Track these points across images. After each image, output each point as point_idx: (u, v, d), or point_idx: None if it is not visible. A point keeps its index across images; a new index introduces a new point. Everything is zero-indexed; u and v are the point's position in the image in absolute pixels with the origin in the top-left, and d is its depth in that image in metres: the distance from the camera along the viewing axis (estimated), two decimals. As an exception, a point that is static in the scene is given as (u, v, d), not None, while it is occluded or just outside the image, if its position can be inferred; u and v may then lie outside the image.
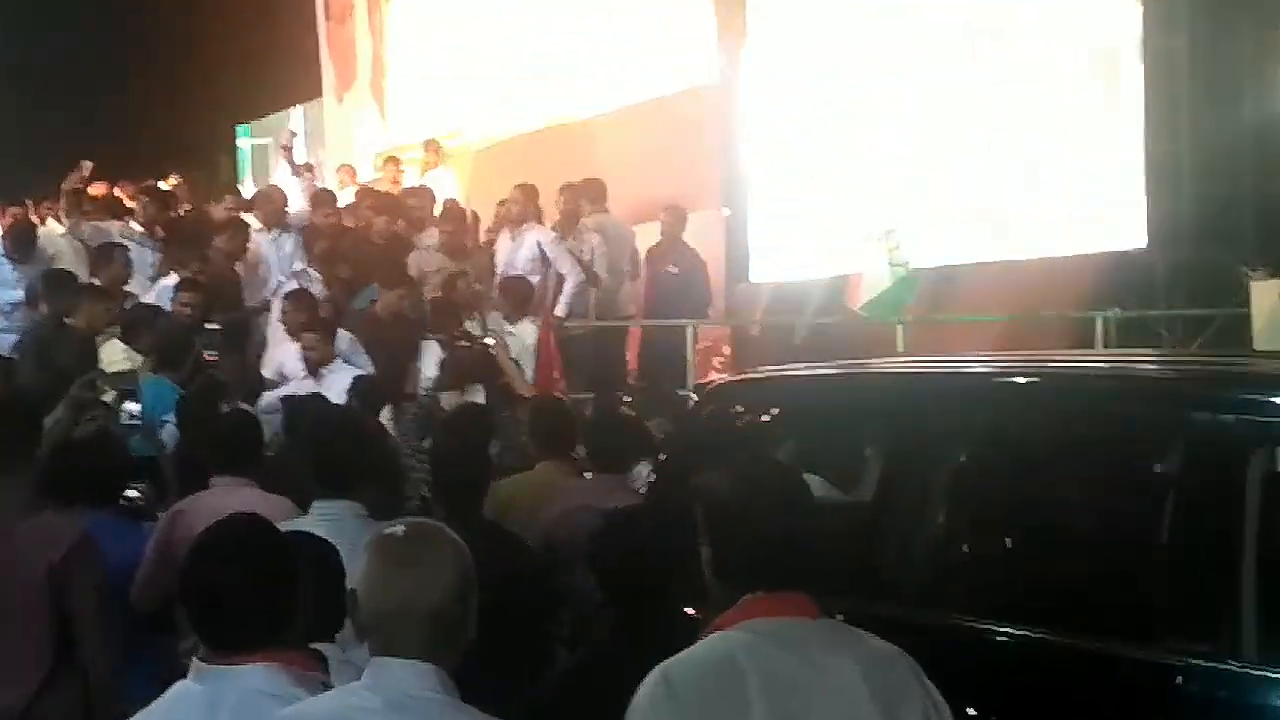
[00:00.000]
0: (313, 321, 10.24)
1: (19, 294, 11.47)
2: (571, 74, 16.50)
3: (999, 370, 5.34)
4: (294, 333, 10.24)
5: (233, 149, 24.12)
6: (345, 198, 15.01)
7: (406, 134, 19.40)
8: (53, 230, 13.24)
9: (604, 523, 4.78)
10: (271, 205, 12.87)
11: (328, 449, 5.73)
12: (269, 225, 12.56)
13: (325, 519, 5.21)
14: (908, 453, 5.13)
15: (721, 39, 14.56)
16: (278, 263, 12.29)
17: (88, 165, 14.85)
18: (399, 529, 3.42)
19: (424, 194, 14.31)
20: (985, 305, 12.00)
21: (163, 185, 15.70)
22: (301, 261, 12.24)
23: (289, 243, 12.50)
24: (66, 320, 9.67)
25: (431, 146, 16.86)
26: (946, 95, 12.89)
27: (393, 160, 17.16)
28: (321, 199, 13.96)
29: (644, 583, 4.54)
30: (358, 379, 9.36)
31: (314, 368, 9.88)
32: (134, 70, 21.83)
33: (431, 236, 12.85)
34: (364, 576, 3.34)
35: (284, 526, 4.56)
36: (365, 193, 14.79)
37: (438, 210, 13.73)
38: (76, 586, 5.17)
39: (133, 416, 7.81)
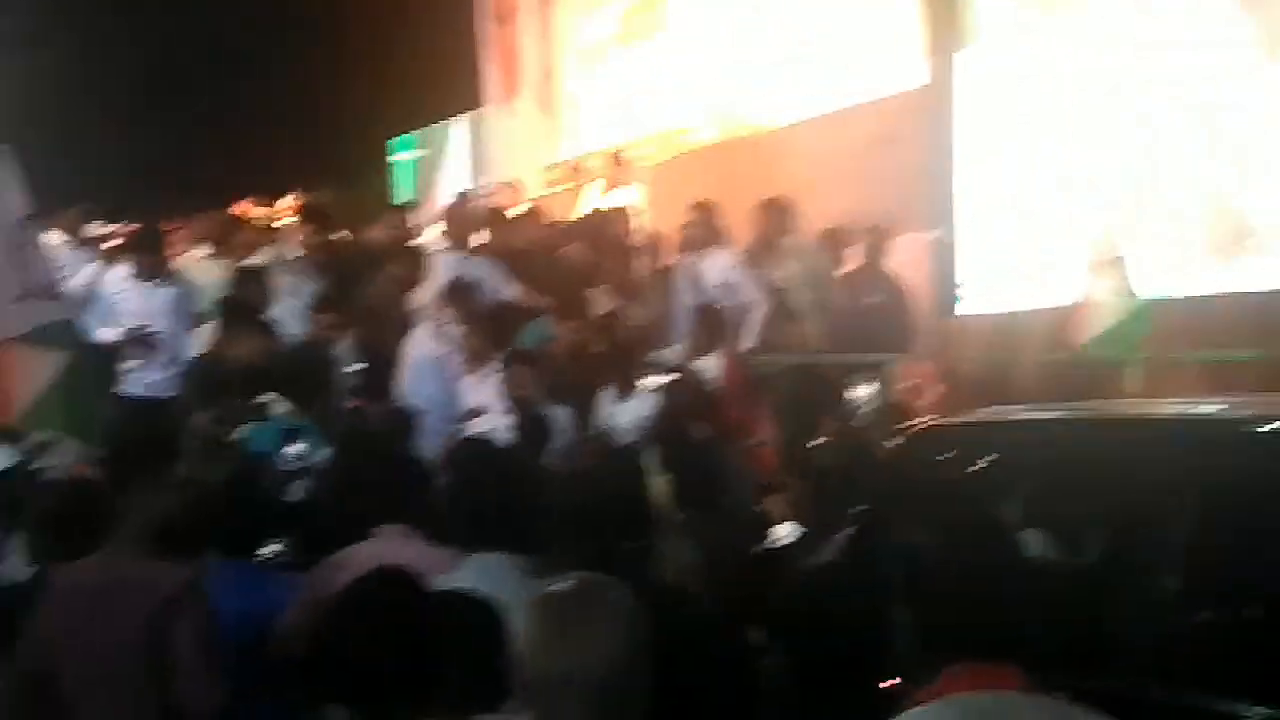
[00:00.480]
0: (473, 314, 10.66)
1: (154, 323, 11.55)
2: (760, 80, 16.51)
3: (1246, 417, 5.25)
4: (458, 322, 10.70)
5: (384, 165, 24.45)
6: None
7: (579, 146, 19.55)
8: (192, 254, 13.39)
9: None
10: (464, 222, 12.95)
11: (486, 496, 5.77)
12: (459, 245, 12.65)
13: (483, 573, 5.23)
14: (1139, 508, 5.06)
15: (932, 39, 14.42)
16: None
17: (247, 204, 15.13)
18: (565, 585, 3.40)
19: (617, 219, 14.26)
20: (1231, 342, 11.76)
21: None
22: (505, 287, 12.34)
23: (483, 266, 12.51)
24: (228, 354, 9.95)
25: (614, 160, 16.79)
26: (1181, 109, 12.68)
27: (577, 169, 17.12)
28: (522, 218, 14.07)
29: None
30: (533, 419, 9.50)
31: (472, 365, 10.04)
32: (274, 80, 22.23)
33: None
34: (525, 638, 3.33)
35: (439, 581, 4.65)
36: (538, 211, 14.77)
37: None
38: (176, 636, 5.33)
39: (298, 458, 8.01)
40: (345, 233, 14.24)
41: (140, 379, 11.09)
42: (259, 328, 10.40)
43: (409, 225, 13.86)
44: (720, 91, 16.94)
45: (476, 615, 4.21)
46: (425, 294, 11.93)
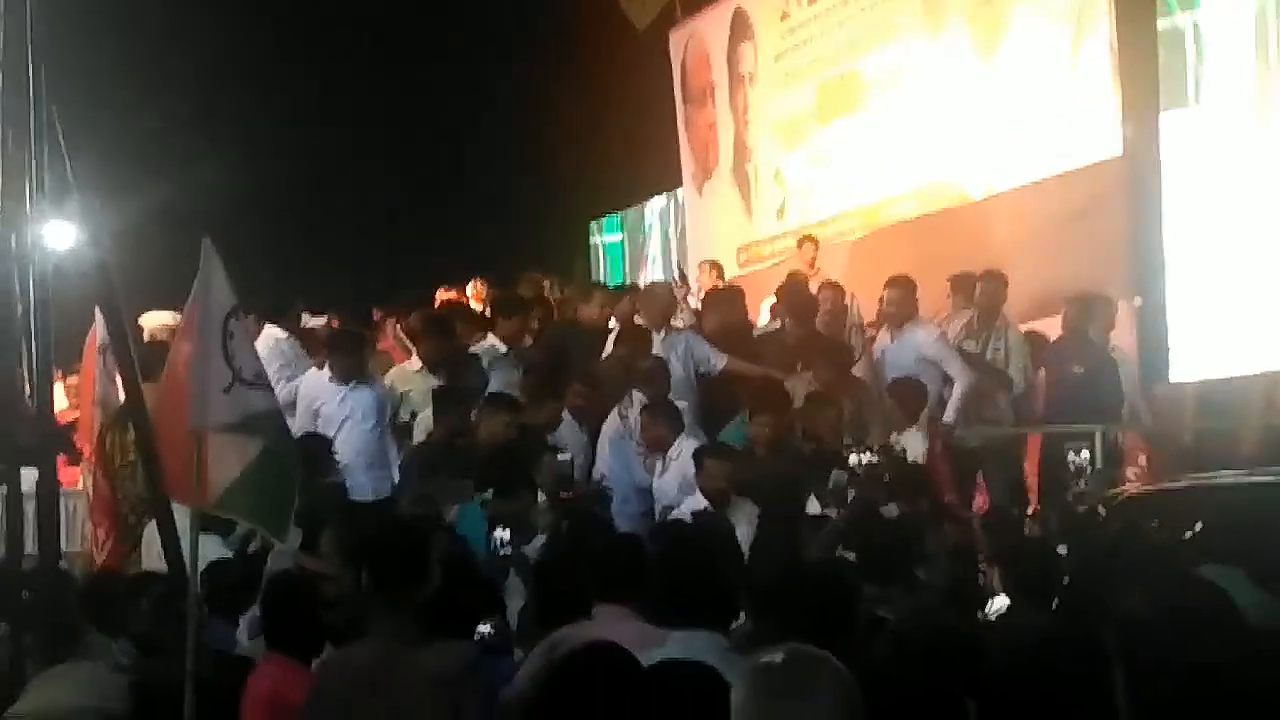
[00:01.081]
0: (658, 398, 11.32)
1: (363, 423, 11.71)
2: (958, 152, 16.49)
3: None
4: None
5: (587, 247, 24.73)
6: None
7: (772, 224, 19.64)
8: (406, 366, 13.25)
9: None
10: (657, 303, 13.12)
11: (693, 576, 5.85)
12: (655, 325, 12.78)
13: (689, 649, 5.22)
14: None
15: (1127, 107, 14.32)
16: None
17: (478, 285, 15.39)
18: (777, 657, 3.42)
19: (822, 298, 14.21)
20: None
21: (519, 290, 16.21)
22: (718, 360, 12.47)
23: (681, 343, 12.62)
24: (458, 439, 10.26)
25: (811, 242, 16.82)
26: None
27: (810, 240, 17.09)
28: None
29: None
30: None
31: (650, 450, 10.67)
32: (477, 166, 22.61)
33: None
34: (739, 710, 3.35)
35: (648, 655, 4.73)
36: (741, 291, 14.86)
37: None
38: (464, 716, 5.50)
39: (504, 544, 8.18)
40: (558, 317, 14.46)
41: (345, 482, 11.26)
42: (504, 404, 10.94)
43: (628, 306, 13.98)
44: (918, 165, 16.91)
45: (698, 682, 4.28)
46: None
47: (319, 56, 21.75)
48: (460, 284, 17.10)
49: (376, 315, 16.03)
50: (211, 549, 8.58)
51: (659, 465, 11.34)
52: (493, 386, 11.92)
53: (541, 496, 9.68)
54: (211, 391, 7.55)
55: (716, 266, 18.23)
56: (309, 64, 21.60)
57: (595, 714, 3.70)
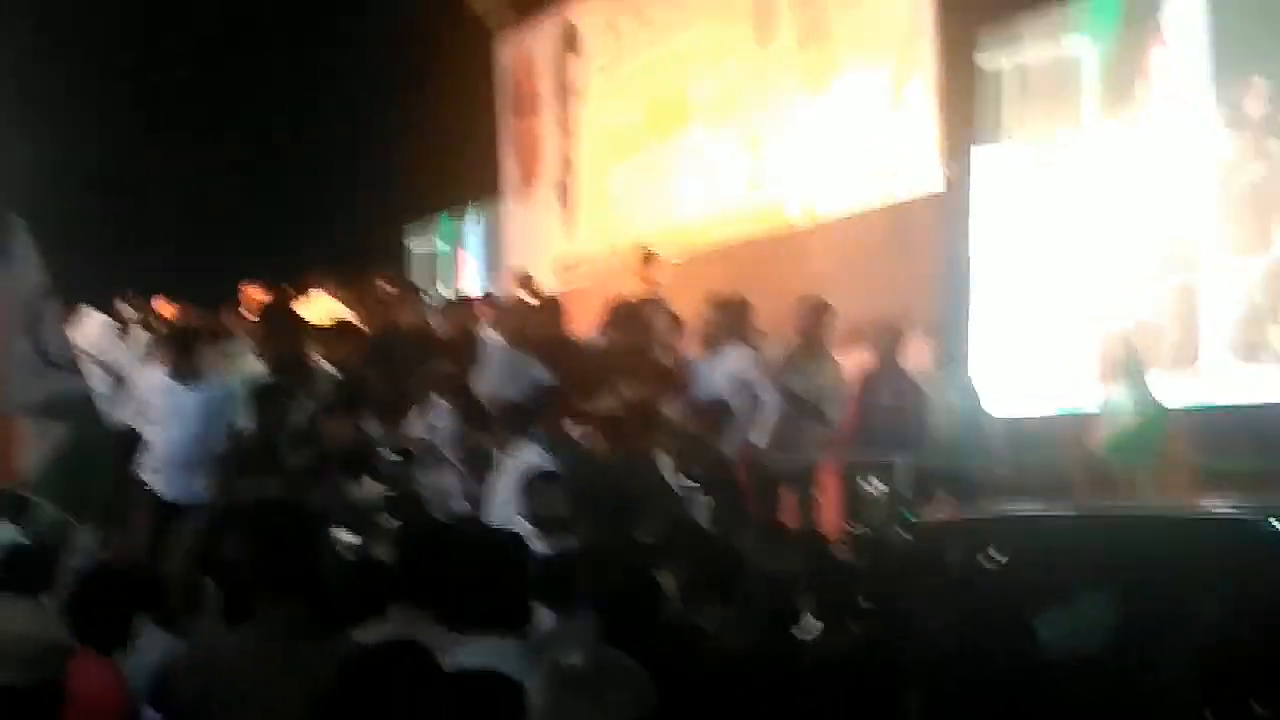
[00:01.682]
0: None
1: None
2: (783, 178, 16.62)
3: (1252, 517, 5.31)
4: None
5: (402, 254, 24.57)
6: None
7: (594, 240, 19.64)
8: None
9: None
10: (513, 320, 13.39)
11: (491, 577, 5.83)
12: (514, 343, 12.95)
13: (489, 653, 5.15)
14: (1150, 606, 5.11)
15: (948, 144, 14.55)
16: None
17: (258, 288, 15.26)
18: (576, 659, 3.45)
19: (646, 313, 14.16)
20: (1235, 452, 11.76)
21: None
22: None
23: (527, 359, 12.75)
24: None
25: (644, 256, 16.27)
26: (1209, 208, 12.78)
27: (650, 256, 16.87)
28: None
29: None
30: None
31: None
32: (292, 165, 22.36)
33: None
34: (538, 712, 3.37)
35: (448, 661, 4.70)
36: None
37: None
38: None
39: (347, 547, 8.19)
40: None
41: (163, 480, 11.09)
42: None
43: (464, 315, 14.17)
44: (743, 188, 17.03)
45: (494, 691, 4.26)
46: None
47: (144, 36, 21.44)
48: (268, 284, 16.87)
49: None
50: (6, 535, 8.38)
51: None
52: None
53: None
54: (18, 374, 7.40)
55: (532, 280, 18.19)
56: (137, 45, 21.29)
57: (392, 712, 3.64)
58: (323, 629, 5.96)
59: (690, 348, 13.56)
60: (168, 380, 11.50)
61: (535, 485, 9.86)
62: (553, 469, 10.48)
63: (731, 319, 13.13)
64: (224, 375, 12.02)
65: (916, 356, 13.47)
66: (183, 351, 11.68)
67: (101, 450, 8.12)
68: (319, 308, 15.58)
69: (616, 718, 3.30)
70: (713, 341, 12.96)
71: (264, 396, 11.12)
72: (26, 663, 4.44)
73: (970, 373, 12.98)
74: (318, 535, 6.18)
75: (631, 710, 3.31)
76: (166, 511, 10.44)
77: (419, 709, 3.65)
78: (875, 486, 11.32)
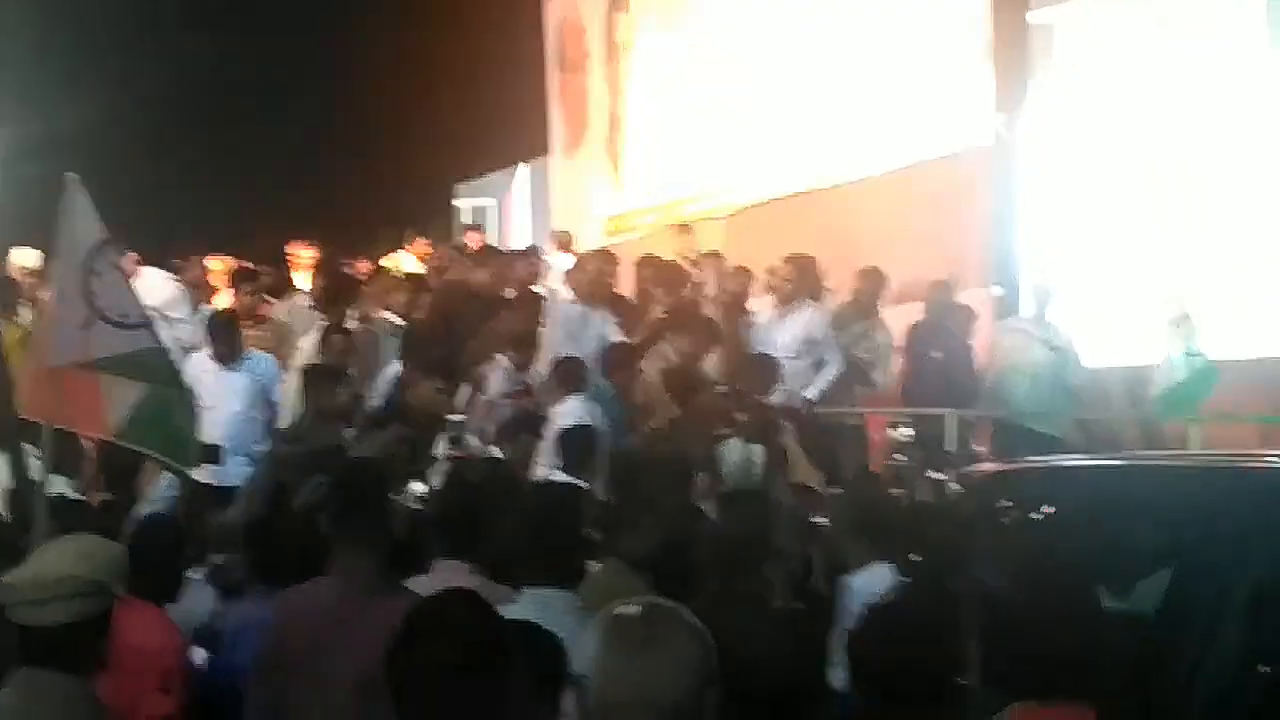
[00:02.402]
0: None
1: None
2: (825, 136, 16.54)
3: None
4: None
5: (448, 211, 24.58)
6: (560, 266, 15.38)
7: (643, 197, 19.59)
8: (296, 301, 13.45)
9: (869, 613, 4.71)
10: (587, 275, 13.04)
11: (542, 530, 5.83)
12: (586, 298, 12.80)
13: (541, 608, 5.23)
14: (1201, 559, 5.07)
15: (1000, 98, 14.45)
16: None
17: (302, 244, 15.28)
18: (633, 608, 3.38)
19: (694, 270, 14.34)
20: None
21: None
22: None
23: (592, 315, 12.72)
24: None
25: (683, 230, 16.40)
26: (1255, 165, 12.69)
27: (685, 228, 16.56)
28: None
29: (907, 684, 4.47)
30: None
31: None
32: (341, 128, 22.40)
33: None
34: (593, 662, 3.31)
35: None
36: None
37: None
38: None
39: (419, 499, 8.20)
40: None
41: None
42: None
43: (529, 270, 14.13)
44: (791, 145, 16.93)
45: (541, 645, 4.25)
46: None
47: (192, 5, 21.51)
48: (315, 241, 16.89)
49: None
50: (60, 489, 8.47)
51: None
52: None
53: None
54: (66, 328, 7.42)
55: (568, 238, 18.25)
56: (183, 12, 21.33)
57: (457, 659, 3.64)
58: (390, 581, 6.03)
59: (759, 305, 13.49)
60: (210, 362, 11.55)
61: (570, 438, 9.92)
62: (588, 422, 10.52)
63: (807, 277, 13.12)
64: (266, 357, 12.04)
65: (970, 311, 13.43)
66: (223, 336, 11.75)
67: (184, 398, 8.15)
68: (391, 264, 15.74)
69: (668, 668, 3.28)
70: (787, 299, 12.90)
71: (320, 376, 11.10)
72: (68, 601, 4.54)
73: (1060, 324, 12.84)
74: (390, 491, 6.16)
75: (685, 661, 3.29)
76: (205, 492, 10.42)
77: (474, 654, 3.64)
78: (902, 435, 11.34)
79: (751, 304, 13.57)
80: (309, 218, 18.36)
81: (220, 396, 11.14)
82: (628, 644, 3.31)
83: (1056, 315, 12.86)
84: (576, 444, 9.81)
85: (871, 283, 13.37)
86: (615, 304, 13.11)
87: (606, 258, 13.70)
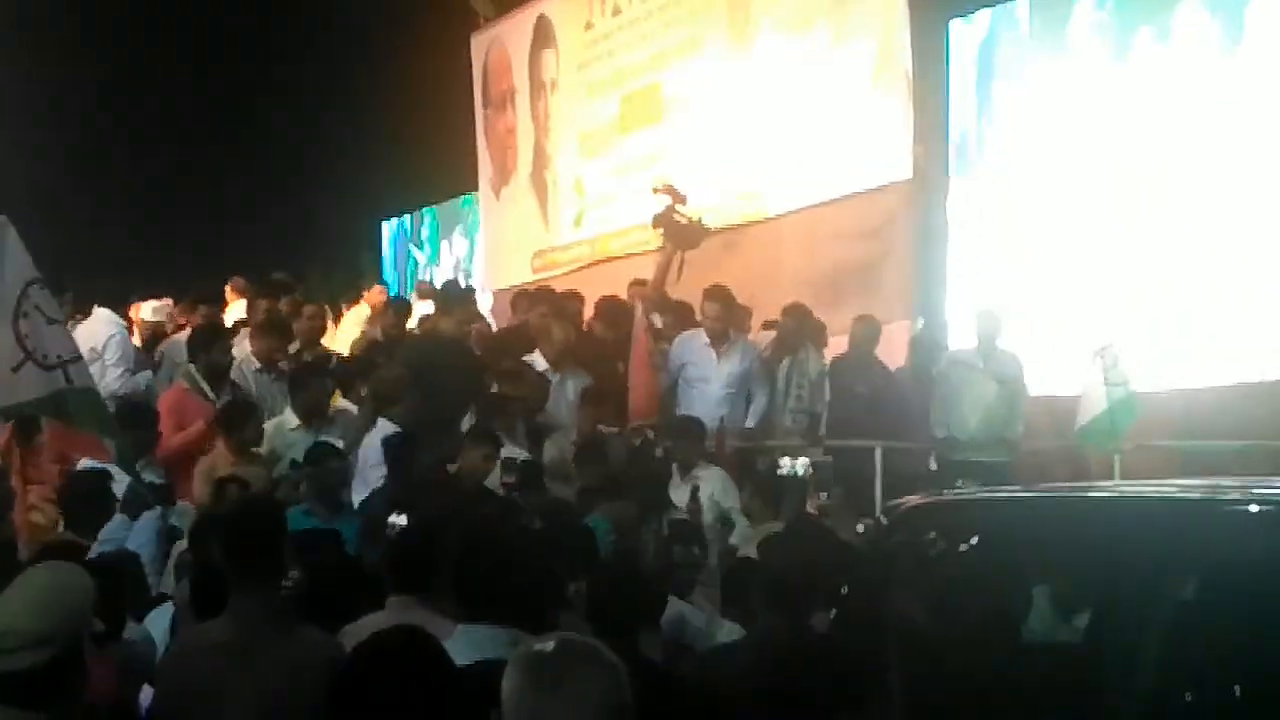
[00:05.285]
0: None
1: None
2: (748, 172, 16.53)
3: (1230, 498, 5.22)
4: None
5: (376, 244, 24.52)
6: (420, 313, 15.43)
7: (571, 233, 19.55)
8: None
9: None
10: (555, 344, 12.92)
11: (471, 569, 5.72)
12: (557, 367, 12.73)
13: (473, 644, 5.17)
14: (1123, 588, 5.02)
15: (918, 130, 14.48)
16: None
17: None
18: (548, 645, 3.39)
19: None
20: (1215, 432, 11.76)
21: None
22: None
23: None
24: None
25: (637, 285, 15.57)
26: (1174, 199, 12.75)
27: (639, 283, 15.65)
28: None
29: None
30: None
31: None
32: (267, 161, 22.28)
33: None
34: (507, 697, 3.31)
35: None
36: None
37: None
38: None
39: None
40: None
41: None
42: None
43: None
44: (717, 180, 16.90)
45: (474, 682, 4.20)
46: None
47: (124, 36, 21.34)
48: (247, 277, 16.80)
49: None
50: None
51: None
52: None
53: None
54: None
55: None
56: (117, 44, 21.18)
57: (402, 697, 3.59)
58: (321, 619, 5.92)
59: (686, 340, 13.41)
60: None
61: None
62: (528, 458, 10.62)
63: (733, 310, 13.21)
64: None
65: (894, 344, 13.44)
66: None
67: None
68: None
69: (579, 704, 3.22)
70: (719, 336, 12.84)
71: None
72: (35, 649, 4.47)
73: (1011, 352, 12.79)
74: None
75: (597, 698, 3.24)
76: None
77: (424, 694, 3.69)
78: (791, 469, 11.35)
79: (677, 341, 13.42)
80: (239, 254, 18.28)
81: None
82: (541, 680, 3.31)
83: (1004, 344, 12.77)
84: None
85: (796, 319, 13.29)
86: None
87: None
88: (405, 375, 11.54)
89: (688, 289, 13.81)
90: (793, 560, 7.05)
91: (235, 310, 15.29)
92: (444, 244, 23.59)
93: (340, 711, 3.65)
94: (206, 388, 11.36)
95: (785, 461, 11.40)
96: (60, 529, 9.09)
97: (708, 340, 12.95)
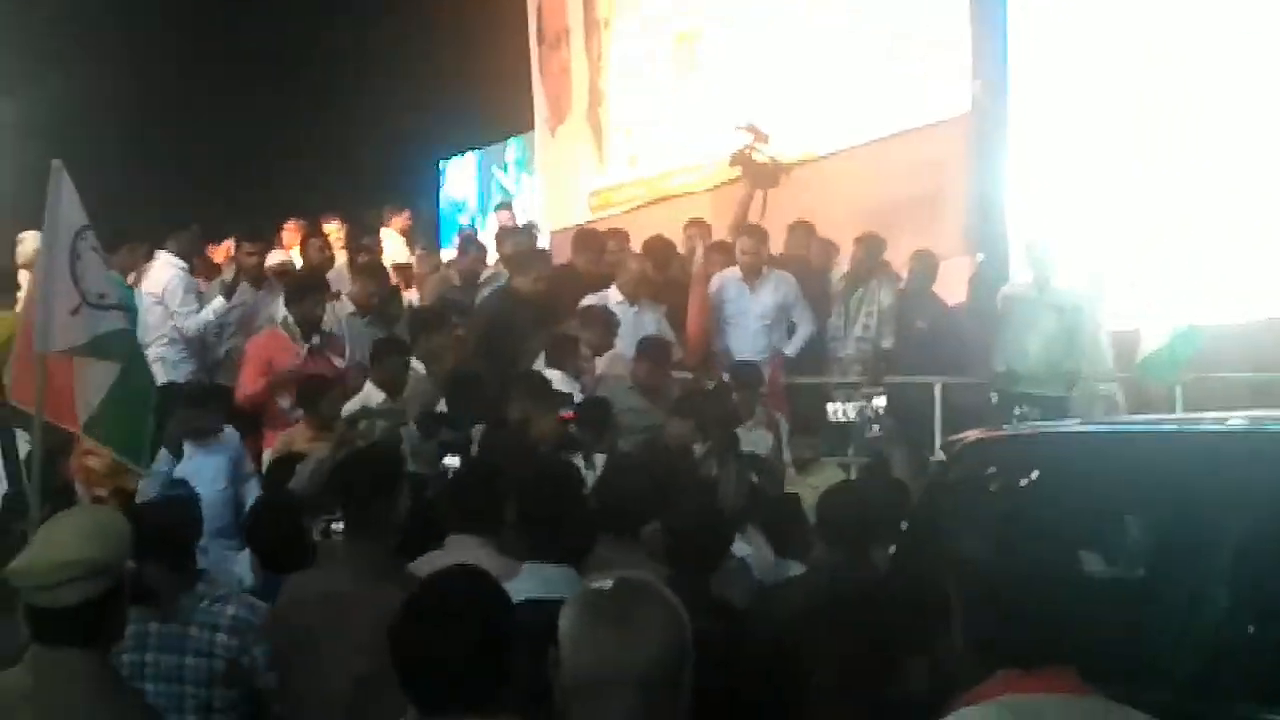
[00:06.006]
0: None
1: None
2: (804, 108, 16.41)
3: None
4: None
5: (436, 186, 24.49)
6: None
7: (627, 171, 19.49)
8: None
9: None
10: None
11: (537, 504, 5.72)
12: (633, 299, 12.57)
13: (542, 582, 5.18)
14: (1186, 522, 5.00)
15: (976, 65, 14.35)
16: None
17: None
18: (607, 583, 3.37)
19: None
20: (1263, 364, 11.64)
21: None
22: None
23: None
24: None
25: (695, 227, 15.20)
26: (1241, 127, 12.58)
27: (696, 224, 14.98)
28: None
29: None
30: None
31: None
32: (328, 104, 22.23)
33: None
34: (565, 634, 3.29)
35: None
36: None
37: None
38: None
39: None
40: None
41: None
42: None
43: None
44: (770, 118, 16.78)
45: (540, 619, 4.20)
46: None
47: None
48: (307, 219, 16.82)
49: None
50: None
51: None
52: None
53: None
54: (57, 313, 7.49)
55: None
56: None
57: (462, 636, 3.60)
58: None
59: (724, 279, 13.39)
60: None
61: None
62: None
63: (766, 247, 13.21)
64: None
65: (952, 280, 13.36)
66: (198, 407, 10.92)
67: (147, 387, 8.17)
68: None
69: (639, 643, 3.21)
70: (753, 270, 12.87)
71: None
72: (79, 583, 4.43)
73: (1068, 286, 12.66)
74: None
75: (657, 635, 3.23)
76: None
77: (482, 633, 3.63)
78: (847, 412, 11.35)
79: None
80: (295, 197, 18.29)
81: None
82: (599, 619, 3.29)
83: (1062, 278, 12.64)
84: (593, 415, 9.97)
85: (869, 248, 13.27)
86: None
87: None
88: (452, 341, 11.56)
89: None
90: (849, 497, 7.08)
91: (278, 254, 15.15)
92: (524, 177, 23.52)
93: (398, 651, 3.63)
94: (298, 334, 11.41)
95: (832, 407, 11.43)
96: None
97: (740, 275, 12.99)
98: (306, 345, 11.34)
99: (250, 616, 5.90)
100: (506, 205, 19.63)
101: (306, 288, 11.92)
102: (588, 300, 12.31)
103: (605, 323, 11.80)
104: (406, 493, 5.97)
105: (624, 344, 11.87)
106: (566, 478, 6.09)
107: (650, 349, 11.55)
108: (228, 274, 13.92)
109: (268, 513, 7.25)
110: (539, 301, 12.23)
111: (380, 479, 5.91)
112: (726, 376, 11.86)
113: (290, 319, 11.51)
